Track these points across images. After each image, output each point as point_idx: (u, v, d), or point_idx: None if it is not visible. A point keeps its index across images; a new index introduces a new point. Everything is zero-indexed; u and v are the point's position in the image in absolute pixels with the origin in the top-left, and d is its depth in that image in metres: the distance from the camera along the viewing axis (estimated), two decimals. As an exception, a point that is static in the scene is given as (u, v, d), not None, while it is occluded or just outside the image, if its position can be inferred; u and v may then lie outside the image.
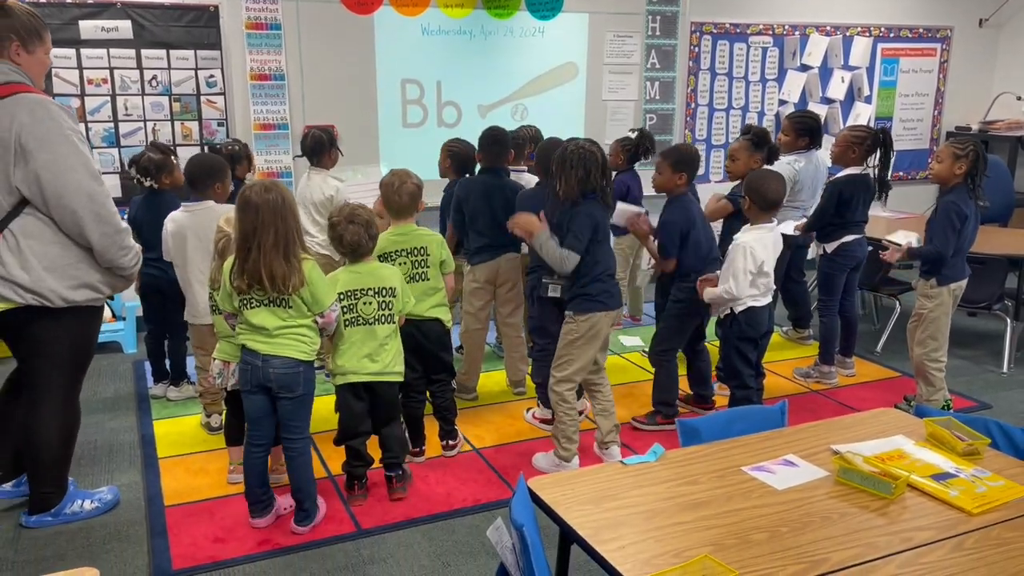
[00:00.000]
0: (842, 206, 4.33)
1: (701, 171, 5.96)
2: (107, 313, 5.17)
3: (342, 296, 3.14)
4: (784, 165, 4.55)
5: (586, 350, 3.40)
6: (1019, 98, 7.57)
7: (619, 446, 3.59)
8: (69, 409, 3.10)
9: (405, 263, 3.49)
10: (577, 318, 3.37)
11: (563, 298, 3.50)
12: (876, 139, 4.33)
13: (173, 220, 3.72)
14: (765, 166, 4.22)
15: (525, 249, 4.10)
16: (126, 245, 2.97)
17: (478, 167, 4.27)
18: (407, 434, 3.66)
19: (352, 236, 3.11)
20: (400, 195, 3.46)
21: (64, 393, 3.06)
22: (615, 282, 3.47)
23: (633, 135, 5.03)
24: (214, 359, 3.10)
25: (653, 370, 4.12)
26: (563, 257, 3.28)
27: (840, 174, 4.42)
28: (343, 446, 3.32)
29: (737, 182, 4.31)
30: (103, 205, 2.86)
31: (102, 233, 2.87)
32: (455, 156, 4.38)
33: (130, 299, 5.01)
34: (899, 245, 4.05)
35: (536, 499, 1.99)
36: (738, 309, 3.58)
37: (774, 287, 3.63)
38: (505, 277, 4.20)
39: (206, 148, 4.70)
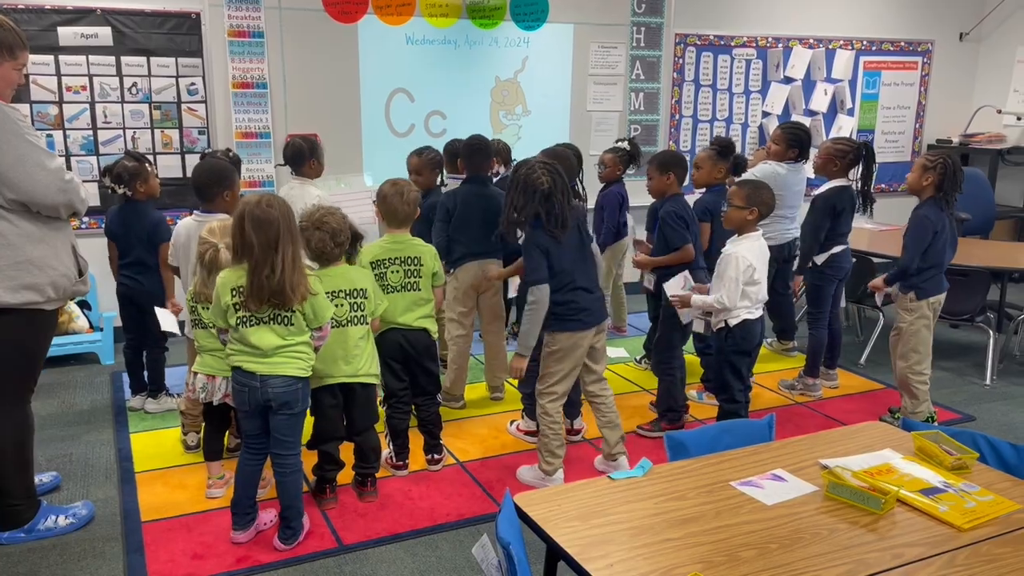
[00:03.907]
0: (833, 218, 4.35)
1: (685, 182, 5.97)
2: (84, 324, 5.10)
3: None
4: (769, 170, 4.58)
5: (566, 364, 3.36)
6: (999, 111, 7.65)
7: (627, 456, 3.57)
8: (17, 414, 3.01)
9: (398, 272, 3.46)
10: (555, 335, 3.33)
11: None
12: (858, 152, 4.35)
13: (185, 227, 3.65)
14: (741, 176, 4.27)
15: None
16: (78, 193, 2.93)
17: (463, 176, 4.27)
18: (391, 447, 3.62)
19: (317, 242, 3.13)
20: (407, 204, 3.46)
21: (9, 398, 2.97)
22: (595, 295, 3.39)
23: (627, 146, 5.10)
24: (196, 373, 3.04)
25: (655, 380, 4.16)
26: (535, 301, 3.21)
27: (824, 187, 4.42)
28: (315, 450, 3.31)
29: (703, 191, 4.42)
30: (73, 190, 2.89)
31: (67, 204, 2.89)
32: (436, 164, 4.43)
33: (107, 310, 4.94)
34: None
35: (522, 515, 1.96)
36: (733, 322, 3.52)
37: (766, 298, 3.62)
38: (488, 283, 4.19)
39: (201, 155, 4.61)
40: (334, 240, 3.13)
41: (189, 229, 3.61)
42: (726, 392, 3.67)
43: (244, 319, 2.78)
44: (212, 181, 3.57)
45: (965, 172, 7.33)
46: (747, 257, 3.44)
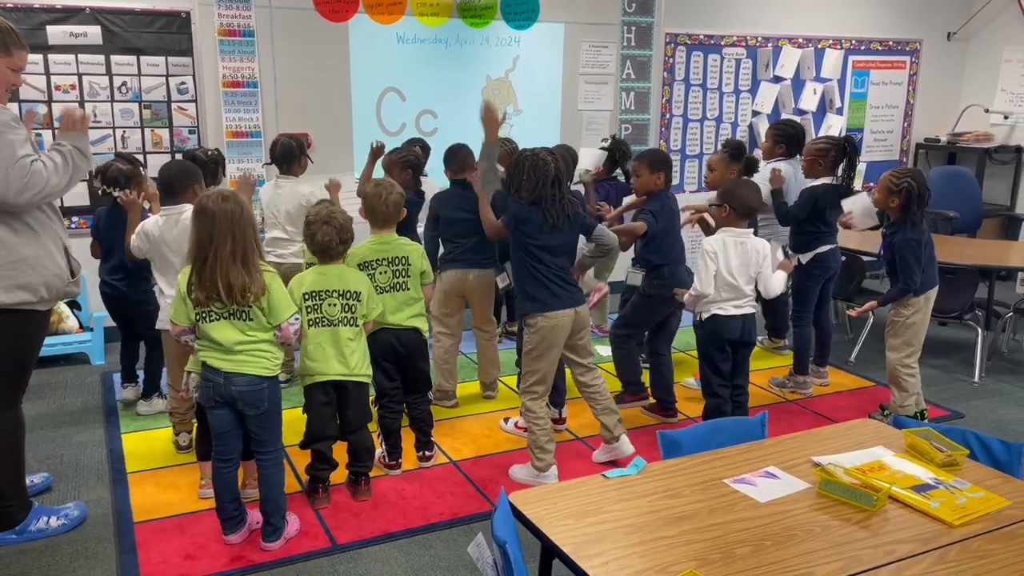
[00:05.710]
0: (816, 215, 4.36)
1: (676, 181, 5.98)
2: (74, 324, 5.07)
3: (307, 296, 3.18)
4: (759, 171, 4.61)
5: (543, 362, 3.39)
6: (986, 110, 7.70)
7: (626, 434, 3.62)
8: (8, 416, 2.99)
9: (386, 272, 3.46)
10: (531, 321, 3.36)
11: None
12: (841, 148, 4.36)
13: (155, 224, 3.59)
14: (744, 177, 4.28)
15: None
16: (45, 180, 2.78)
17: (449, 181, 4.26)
18: (383, 447, 3.62)
19: (324, 237, 3.16)
20: (387, 205, 3.47)
21: (1, 399, 2.95)
22: (565, 285, 3.38)
23: (607, 146, 5.10)
24: (189, 372, 3.03)
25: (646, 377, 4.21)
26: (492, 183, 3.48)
27: (813, 183, 4.44)
28: (308, 449, 3.31)
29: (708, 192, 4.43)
30: (38, 188, 2.77)
31: (37, 194, 2.79)
32: (413, 166, 4.39)
33: (97, 310, 4.91)
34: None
35: (517, 514, 1.96)
36: (704, 315, 3.62)
37: (749, 297, 3.64)
38: (473, 290, 4.17)
39: (180, 155, 4.57)
40: (340, 236, 3.18)
41: (159, 225, 3.54)
42: (707, 386, 3.75)
43: (203, 314, 2.79)
44: (180, 176, 3.50)
45: (953, 170, 7.40)
46: (716, 251, 3.56)
